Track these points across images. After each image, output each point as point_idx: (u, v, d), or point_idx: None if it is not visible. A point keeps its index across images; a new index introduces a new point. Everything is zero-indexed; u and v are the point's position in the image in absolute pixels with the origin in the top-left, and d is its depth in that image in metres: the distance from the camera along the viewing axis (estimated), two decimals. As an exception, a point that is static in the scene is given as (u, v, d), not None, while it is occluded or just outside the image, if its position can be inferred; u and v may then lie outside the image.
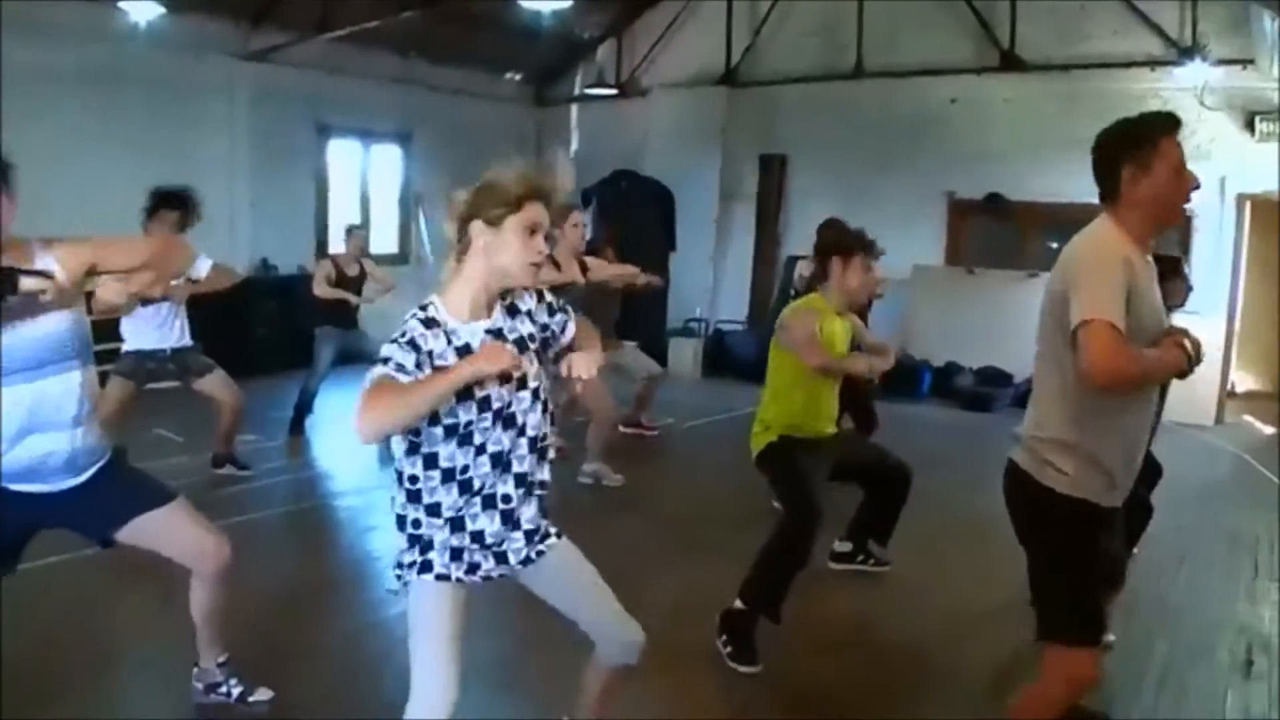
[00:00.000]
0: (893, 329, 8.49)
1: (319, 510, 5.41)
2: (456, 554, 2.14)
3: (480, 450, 2.09)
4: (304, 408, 6.62)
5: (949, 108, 9.47)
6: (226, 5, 8.65)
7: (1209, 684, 3.35)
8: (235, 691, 2.92)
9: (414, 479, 2.10)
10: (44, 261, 2.30)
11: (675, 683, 3.14)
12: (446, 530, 2.12)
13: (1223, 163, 7.81)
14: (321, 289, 6.44)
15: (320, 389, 6.58)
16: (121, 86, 8.04)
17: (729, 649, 3.38)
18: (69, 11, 7.38)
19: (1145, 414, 2.43)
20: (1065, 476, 2.31)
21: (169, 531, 2.67)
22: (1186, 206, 2.41)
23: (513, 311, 2.18)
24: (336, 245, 8.97)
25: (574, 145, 12.04)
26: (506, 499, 2.15)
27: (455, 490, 2.09)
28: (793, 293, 6.03)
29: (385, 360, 1.98)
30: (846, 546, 4.32)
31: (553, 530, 2.28)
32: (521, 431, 2.14)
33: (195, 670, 2.93)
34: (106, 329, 4.41)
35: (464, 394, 2.02)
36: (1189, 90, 8.10)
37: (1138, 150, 2.26)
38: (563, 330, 2.27)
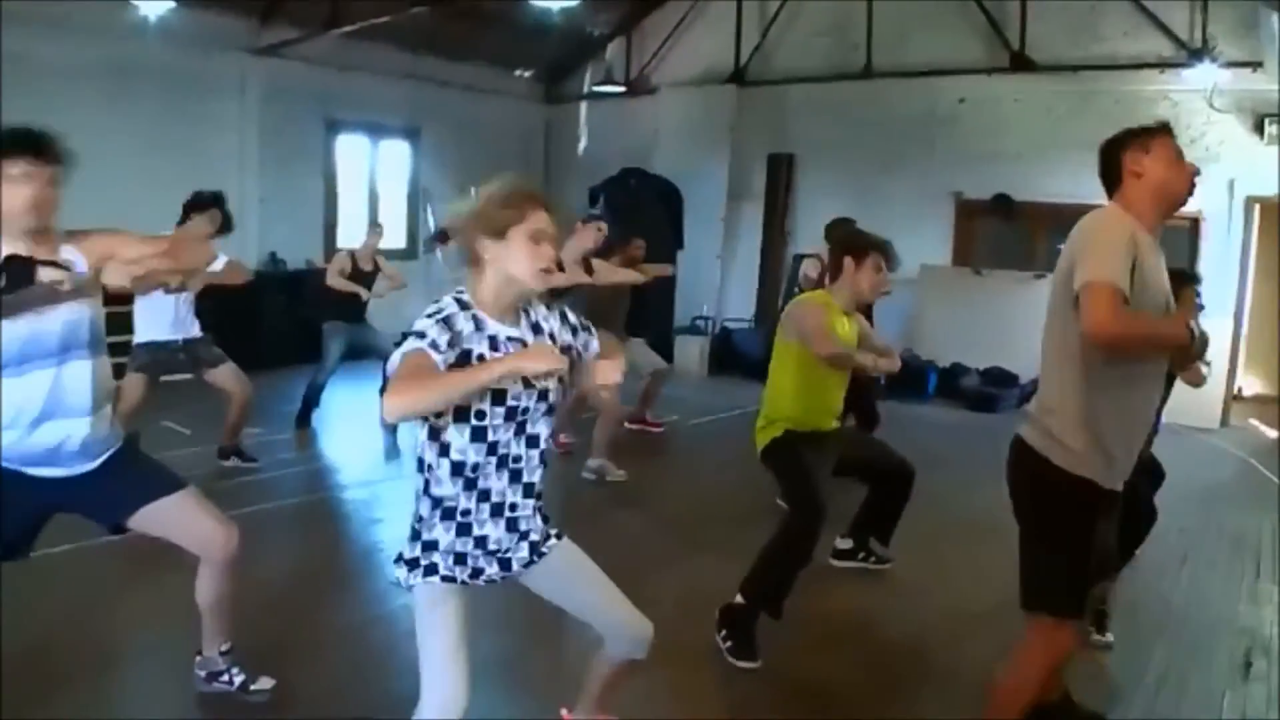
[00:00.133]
0: (899, 329, 8.49)
1: (325, 503, 5.44)
2: (460, 559, 2.15)
3: (492, 449, 2.10)
4: (311, 401, 6.65)
5: (958, 108, 9.46)
6: (237, 1, 8.69)
7: (1208, 685, 3.35)
8: (237, 680, 2.94)
9: (429, 467, 2.11)
10: (67, 253, 2.44)
11: (675, 678, 3.15)
12: (452, 534, 2.13)
13: (1231, 165, 7.80)
14: (335, 280, 6.47)
15: (328, 383, 6.62)
16: (132, 81, 8.08)
17: (729, 644, 3.38)
18: (80, 7, 7.43)
19: (1149, 397, 2.47)
20: (1069, 452, 2.35)
21: (180, 518, 2.71)
22: (1195, 208, 2.47)
23: (536, 329, 2.19)
24: (345, 240, 9.03)
25: (582, 142, 12.07)
26: (514, 507, 2.17)
27: (460, 485, 2.10)
28: (797, 290, 6.06)
29: (421, 335, 1.97)
30: (848, 544, 4.33)
31: (553, 531, 2.30)
32: (532, 442, 2.16)
33: (198, 658, 2.96)
34: (119, 321, 4.46)
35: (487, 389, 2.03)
36: (1198, 92, 8.08)
37: (1135, 138, 2.42)
38: (586, 348, 2.30)
